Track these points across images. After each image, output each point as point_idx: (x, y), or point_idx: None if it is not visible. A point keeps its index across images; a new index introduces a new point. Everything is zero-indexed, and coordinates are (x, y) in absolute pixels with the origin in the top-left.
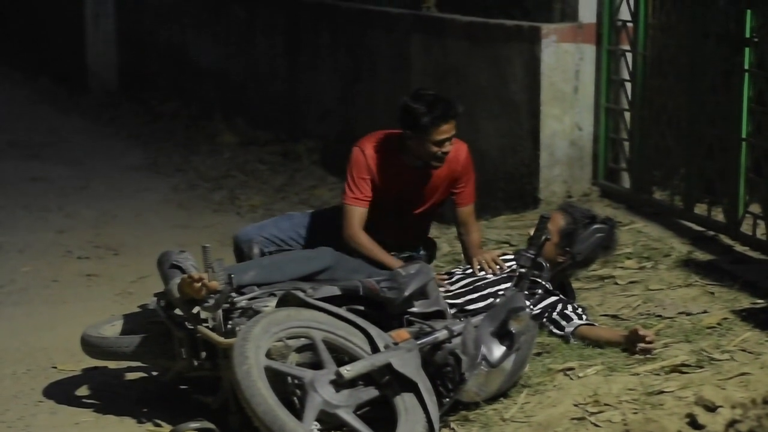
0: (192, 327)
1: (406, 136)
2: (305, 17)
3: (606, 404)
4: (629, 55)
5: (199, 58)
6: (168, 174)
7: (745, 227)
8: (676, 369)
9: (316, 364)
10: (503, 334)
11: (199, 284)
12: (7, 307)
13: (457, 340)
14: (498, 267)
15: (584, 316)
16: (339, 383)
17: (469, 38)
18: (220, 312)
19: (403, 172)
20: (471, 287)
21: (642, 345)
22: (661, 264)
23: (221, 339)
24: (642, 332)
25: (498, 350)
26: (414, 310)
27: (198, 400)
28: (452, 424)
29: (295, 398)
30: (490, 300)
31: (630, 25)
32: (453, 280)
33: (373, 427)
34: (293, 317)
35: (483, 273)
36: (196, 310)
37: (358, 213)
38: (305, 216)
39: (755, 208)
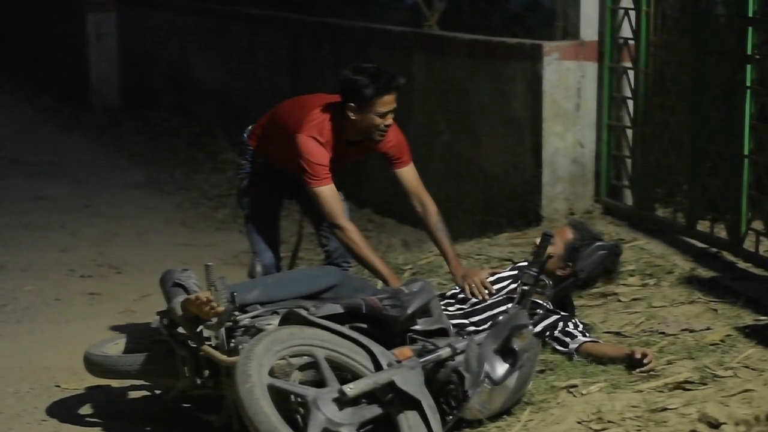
0: (195, 345)
1: (349, 109)
2: (307, 35)
3: (609, 421)
4: (631, 73)
5: (201, 76)
6: (170, 192)
7: (748, 244)
8: (680, 386)
9: (319, 382)
10: (506, 352)
11: (208, 307)
12: (9, 325)
13: (460, 358)
14: (487, 291)
15: (587, 333)
16: (342, 401)
17: (471, 56)
18: (223, 330)
19: (343, 150)
20: (470, 309)
21: (639, 370)
22: (664, 281)
23: (224, 357)
24: (638, 356)
25: (501, 368)
26: (417, 327)
27: (201, 419)
28: None
29: (298, 416)
30: (491, 323)
31: (632, 42)
32: (459, 299)
33: None
34: (296, 335)
35: (473, 299)
36: (199, 328)
37: (333, 193)
38: (247, 198)
39: (758, 224)
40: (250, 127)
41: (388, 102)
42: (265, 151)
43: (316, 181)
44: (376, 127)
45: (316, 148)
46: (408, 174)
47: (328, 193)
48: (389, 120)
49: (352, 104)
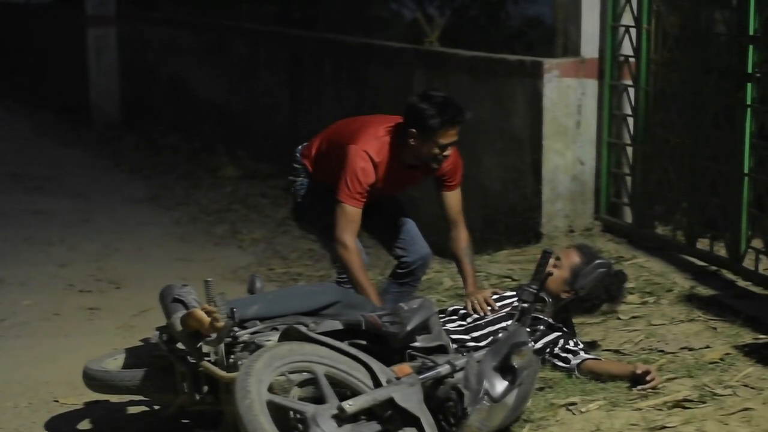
0: (194, 361)
1: (409, 135)
2: (308, 51)
3: None
4: (631, 90)
5: (201, 92)
6: (170, 207)
7: (748, 262)
8: (679, 404)
9: (319, 399)
10: (506, 369)
11: (210, 319)
12: (8, 340)
13: (459, 375)
14: (489, 308)
15: (588, 351)
16: (341, 418)
17: (471, 73)
18: (222, 346)
19: (399, 172)
20: (472, 325)
21: (641, 387)
22: (664, 299)
23: (223, 373)
24: (640, 371)
25: (500, 385)
26: (416, 344)
27: None
28: None
29: None
30: (491, 338)
31: (632, 60)
32: (460, 315)
33: None
34: (295, 351)
35: (475, 315)
36: (198, 344)
37: (355, 214)
38: (312, 217)
39: (757, 243)
40: (300, 147)
41: (451, 135)
42: (321, 173)
43: (347, 197)
44: (434, 157)
45: (366, 165)
46: (453, 198)
47: (352, 212)
48: (449, 151)
49: (414, 131)
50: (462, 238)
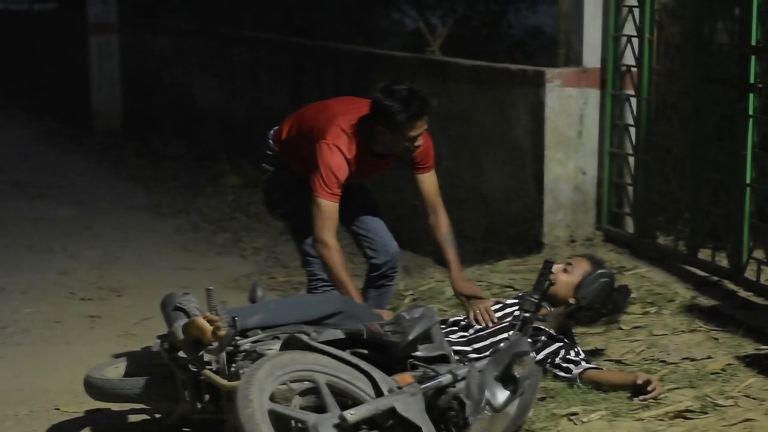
0: (196, 370)
1: (377, 131)
2: (309, 59)
3: None
4: (633, 100)
5: (203, 100)
6: (171, 215)
7: (749, 273)
8: (680, 415)
9: (320, 408)
10: (507, 379)
11: (212, 328)
12: (9, 347)
13: (461, 385)
14: (490, 318)
15: (590, 361)
16: (343, 427)
17: (473, 82)
18: (224, 355)
19: (369, 162)
20: (474, 336)
21: (643, 397)
22: (665, 309)
23: (225, 382)
24: (641, 381)
25: (502, 395)
26: (418, 354)
27: None
28: None
29: None
30: (493, 350)
31: (634, 70)
32: (462, 326)
33: None
34: (297, 360)
35: (477, 326)
36: (200, 352)
37: (332, 210)
38: (283, 211)
39: (759, 253)
40: (272, 131)
41: (418, 126)
42: (291, 161)
43: (324, 192)
44: (405, 149)
45: (339, 160)
46: (428, 180)
47: (329, 208)
48: (419, 141)
49: (382, 127)
50: (442, 224)
